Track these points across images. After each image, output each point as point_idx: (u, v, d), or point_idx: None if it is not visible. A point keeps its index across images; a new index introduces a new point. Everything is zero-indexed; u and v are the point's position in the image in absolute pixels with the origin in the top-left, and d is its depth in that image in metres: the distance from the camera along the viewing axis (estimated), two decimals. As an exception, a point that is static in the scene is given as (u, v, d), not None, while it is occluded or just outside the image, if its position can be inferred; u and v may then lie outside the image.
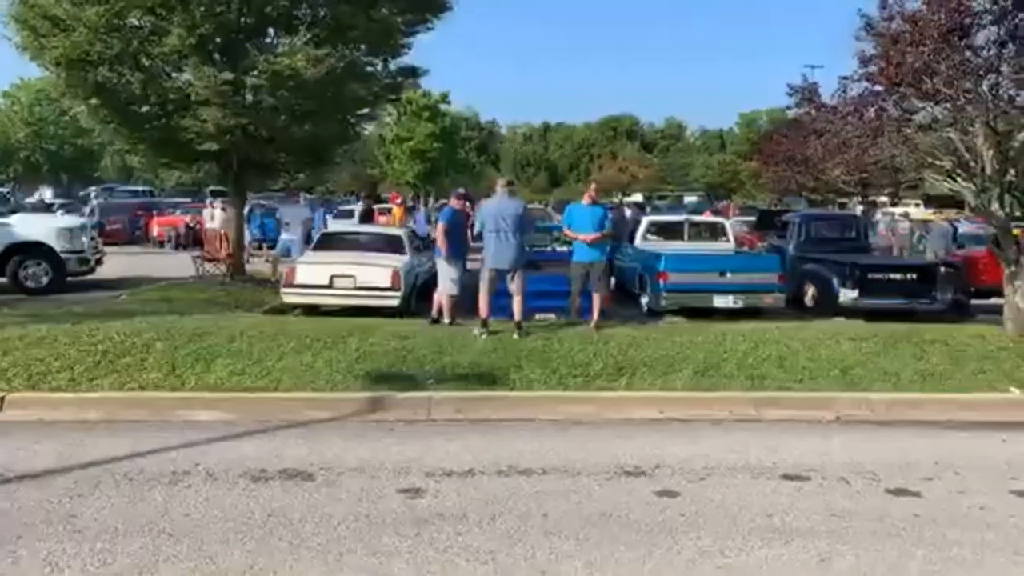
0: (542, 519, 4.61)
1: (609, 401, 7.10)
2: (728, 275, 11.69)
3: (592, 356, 7.96)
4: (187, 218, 23.82)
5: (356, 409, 6.85)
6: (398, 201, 30.51)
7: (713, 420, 6.84)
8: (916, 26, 7.32)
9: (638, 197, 57.69)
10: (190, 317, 9.33)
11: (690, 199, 56.34)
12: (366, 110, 13.95)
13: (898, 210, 36.49)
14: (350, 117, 13.46)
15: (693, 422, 6.78)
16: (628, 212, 22.78)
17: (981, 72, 7.29)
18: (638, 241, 13.72)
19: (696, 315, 11.28)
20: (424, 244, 12.52)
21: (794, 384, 7.54)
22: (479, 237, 8.74)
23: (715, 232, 13.92)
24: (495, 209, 8.64)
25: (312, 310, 10.50)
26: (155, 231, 24.73)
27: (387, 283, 10.22)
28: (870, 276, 12.11)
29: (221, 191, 23.49)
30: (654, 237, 13.78)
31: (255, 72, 10.26)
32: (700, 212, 36.62)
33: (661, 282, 11.66)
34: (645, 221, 14.26)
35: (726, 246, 13.51)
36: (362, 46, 11.85)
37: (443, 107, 51.45)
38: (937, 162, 9.06)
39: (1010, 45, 7.18)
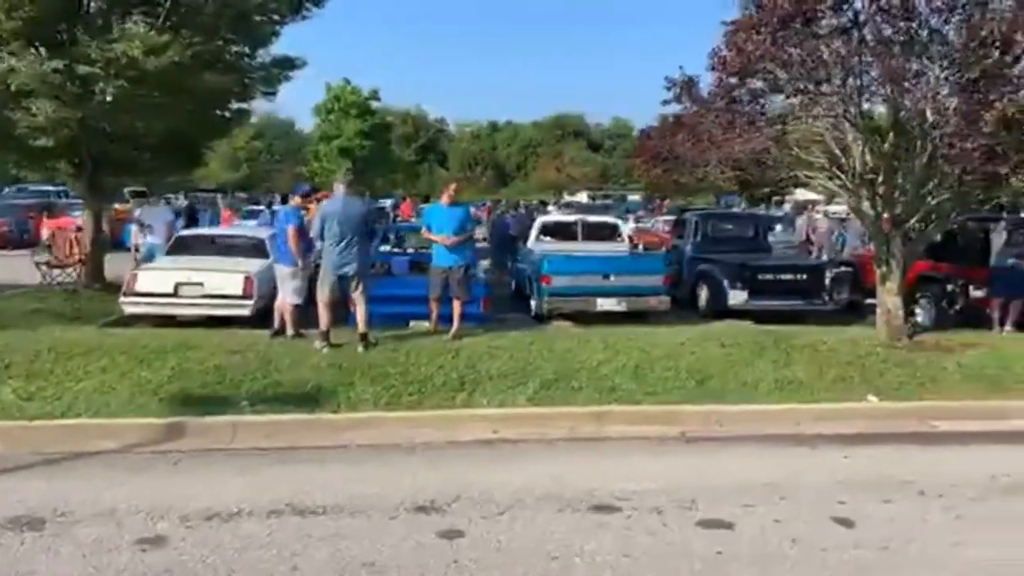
0: (288, 573, 3.96)
1: (440, 421, 6.49)
2: (612, 278, 11.25)
3: (436, 370, 7.34)
4: (79, 220, 22.33)
5: (150, 437, 6.09)
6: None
7: (549, 440, 6.29)
8: (761, 10, 6.91)
9: (583, 197, 57.51)
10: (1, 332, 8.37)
11: (633, 198, 56.38)
12: (244, 104, 13.07)
13: (833, 209, 36.66)
14: (219, 111, 12.56)
15: (526, 443, 6.22)
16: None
17: (834, 63, 6.89)
18: (531, 242, 13.23)
19: (585, 319, 10.86)
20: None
21: (645, 396, 7.06)
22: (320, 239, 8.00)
23: (609, 233, 13.47)
24: (336, 210, 7.94)
25: (166, 321, 9.64)
26: (44, 234, 23.15)
27: (239, 291, 9.43)
28: (760, 277, 11.83)
29: (139, 192, 22.07)
30: (548, 238, 13.30)
31: (91, 61, 9.32)
32: (635, 211, 36.65)
33: (544, 285, 11.18)
34: (538, 222, 13.76)
35: (619, 247, 13.09)
36: (224, 34, 10.96)
37: (376, 104, 50.33)
38: (811, 158, 8.72)
39: (855, 32, 6.79)
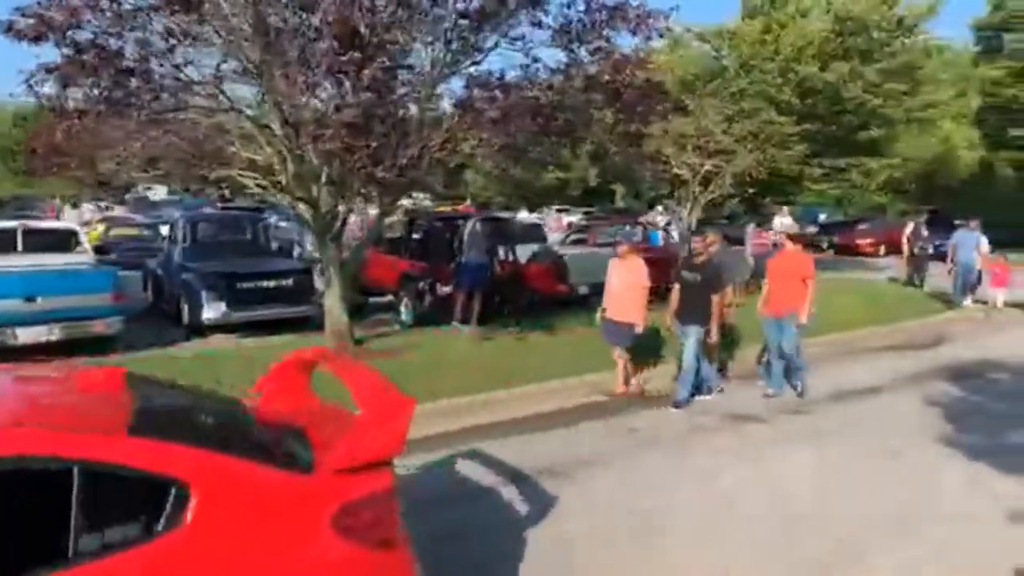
0: None
1: None
2: (40, 300, 9.03)
3: None
4: None
5: None
6: None
7: None
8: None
9: (162, 192, 50.67)
10: None
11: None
12: None
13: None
14: None
15: None
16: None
17: (166, 42, 5.86)
18: (-59, 258, 10.08)
19: (14, 354, 8.49)
20: None
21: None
22: None
23: (62, 241, 10.98)
24: None
25: None
26: None
27: None
28: (240, 286, 10.72)
29: None
30: (-29, 251, 10.30)
31: None
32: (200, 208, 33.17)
33: (-69, 318, 8.48)
34: (-46, 230, 10.64)
35: (72, 260, 10.70)
36: None
37: None
38: (244, 154, 7.73)
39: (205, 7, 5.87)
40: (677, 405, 7.45)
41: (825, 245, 27.66)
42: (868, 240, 26.65)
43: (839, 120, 16.76)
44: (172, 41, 5.85)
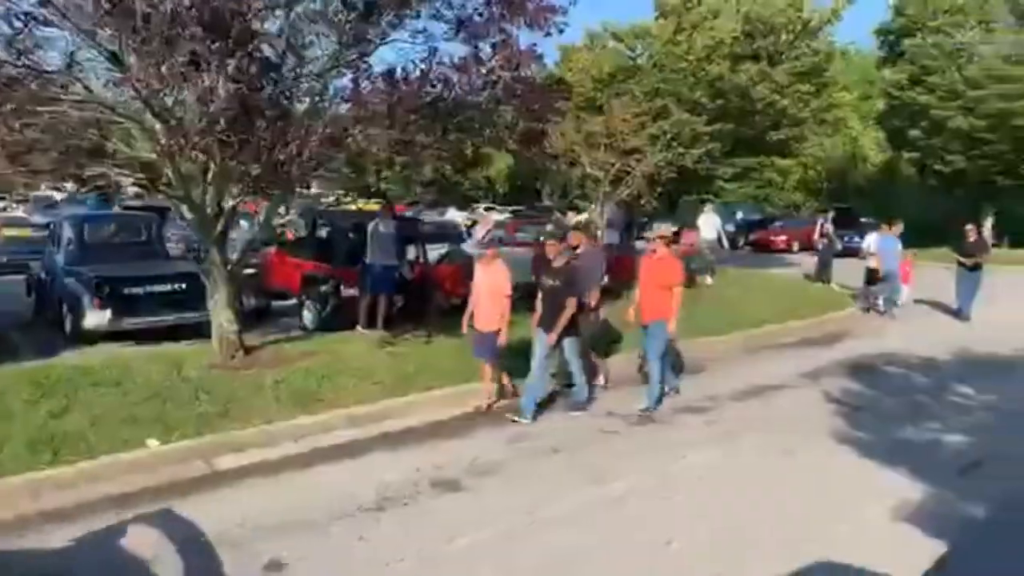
0: None
1: None
2: None
3: None
4: None
5: None
6: None
7: None
8: None
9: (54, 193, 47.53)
10: None
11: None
12: None
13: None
14: None
15: None
16: None
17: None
18: None
19: None
20: None
21: None
22: None
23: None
24: None
25: None
26: None
27: None
28: (126, 291, 10.01)
29: None
30: None
31: None
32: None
33: None
34: None
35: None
36: None
37: None
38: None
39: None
40: (576, 408, 7.30)
41: (741, 242, 28.37)
42: (782, 237, 27.39)
43: (750, 120, 17.06)
44: (18, 25, 5.30)
